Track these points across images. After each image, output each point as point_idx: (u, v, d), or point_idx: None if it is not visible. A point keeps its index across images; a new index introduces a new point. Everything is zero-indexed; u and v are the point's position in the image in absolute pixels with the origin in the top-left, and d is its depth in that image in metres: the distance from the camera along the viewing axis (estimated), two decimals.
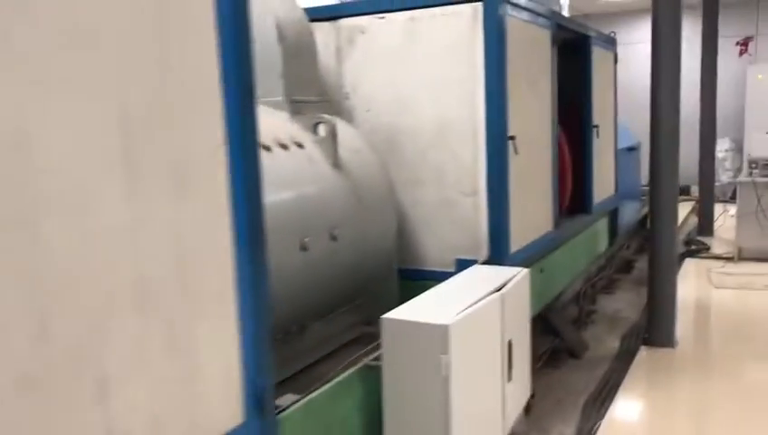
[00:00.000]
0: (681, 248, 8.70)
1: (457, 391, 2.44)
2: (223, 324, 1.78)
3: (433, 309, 2.57)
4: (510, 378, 2.88)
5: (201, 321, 1.69)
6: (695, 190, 10.94)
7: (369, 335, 3.21)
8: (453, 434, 2.40)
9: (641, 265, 7.34)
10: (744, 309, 6.42)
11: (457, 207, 3.81)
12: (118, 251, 1.46)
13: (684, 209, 11.44)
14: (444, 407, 2.39)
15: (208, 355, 1.72)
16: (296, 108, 3.37)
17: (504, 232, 3.81)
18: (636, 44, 12.32)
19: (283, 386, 2.92)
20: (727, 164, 12.81)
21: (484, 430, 2.80)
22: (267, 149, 2.94)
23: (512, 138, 3.79)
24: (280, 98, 3.35)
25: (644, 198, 7.15)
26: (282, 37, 3.36)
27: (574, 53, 5.48)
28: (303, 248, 2.91)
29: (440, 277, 3.32)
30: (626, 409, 4.46)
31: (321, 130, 3.27)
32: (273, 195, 2.83)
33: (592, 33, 5.55)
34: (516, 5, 3.87)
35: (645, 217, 6.99)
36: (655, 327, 5.28)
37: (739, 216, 7.92)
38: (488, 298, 2.71)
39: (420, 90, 3.79)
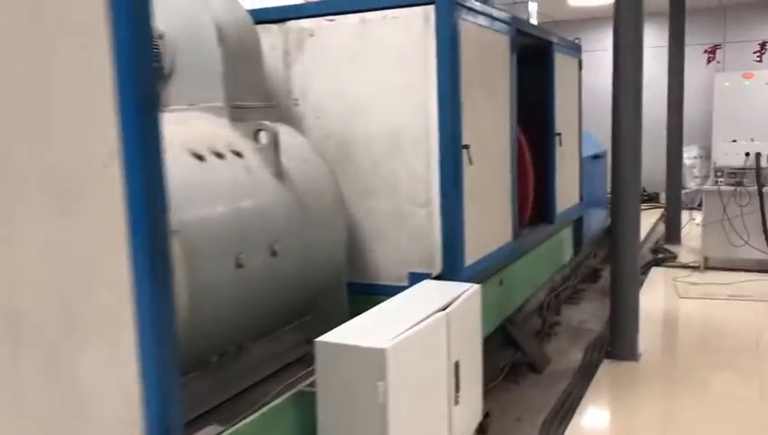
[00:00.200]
0: (648, 257, 8.66)
1: (396, 418, 2.28)
2: (117, 353, 1.59)
3: (371, 331, 2.41)
4: (457, 401, 2.73)
5: (89, 350, 1.51)
6: (663, 198, 10.92)
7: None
8: None
9: (608, 274, 7.24)
10: (709, 320, 6.35)
11: (411, 218, 3.66)
12: None
13: (652, 217, 11.45)
14: None
15: (98, 388, 1.54)
16: (238, 114, 3.19)
17: (458, 244, 3.67)
18: (605, 51, 12.27)
19: (216, 413, 2.75)
20: (696, 171, 12.84)
21: None
22: (200, 158, 2.76)
23: (466, 146, 3.65)
24: (220, 103, 3.18)
25: (610, 206, 7.05)
26: (222, 39, 3.18)
27: (537, 60, 5.37)
28: (238, 265, 2.73)
29: (393, 291, 3.16)
30: (586, 426, 4.33)
31: (263, 137, 3.09)
32: (204, 208, 2.66)
33: (555, 39, 5.45)
34: (471, 9, 3.73)
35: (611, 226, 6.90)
36: (618, 340, 5.16)
37: (705, 225, 7.87)
38: (432, 318, 2.55)
39: (372, 96, 3.63)
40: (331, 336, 2.35)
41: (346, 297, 3.60)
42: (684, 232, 9.66)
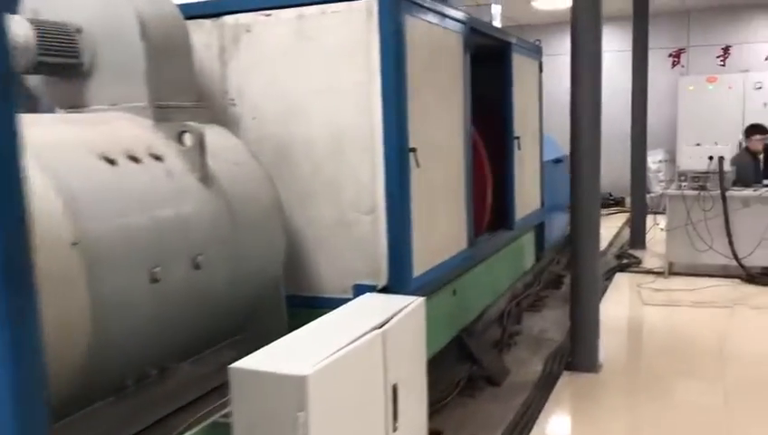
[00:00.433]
0: (613, 262, 8.54)
1: None
2: None
3: (293, 355, 2.17)
4: (395, 428, 2.50)
5: None
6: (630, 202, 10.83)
7: None
8: None
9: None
10: (673, 327, 6.22)
11: (355, 226, 3.42)
12: None
13: (618, 221, 11.37)
14: None
15: None
16: (163, 114, 2.94)
17: (405, 253, 3.44)
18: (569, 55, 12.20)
19: None
20: (661, 175, 12.80)
21: None
22: (111, 162, 2.51)
23: (413, 150, 3.43)
24: (143, 103, 2.92)
25: (570, 213, 6.89)
26: (145, 33, 2.93)
27: (495, 61, 5.18)
28: (153, 280, 2.48)
29: (337, 305, 2.93)
30: None
31: (188, 139, 2.84)
32: (112, 217, 2.39)
33: (513, 40, 5.27)
34: (418, 5, 3.52)
35: None
36: (578, 351, 4.99)
37: (669, 230, 7.75)
38: (365, 338, 2.32)
39: (312, 95, 3.40)
40: (248, 362, 2.11)
41: (285, 312, 3.36)
42: (649, 236, 9.56)
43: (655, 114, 11.16)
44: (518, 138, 5.31)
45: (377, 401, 2.40)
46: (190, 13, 3.42)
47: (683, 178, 7.76)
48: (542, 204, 6.26)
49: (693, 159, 7.86)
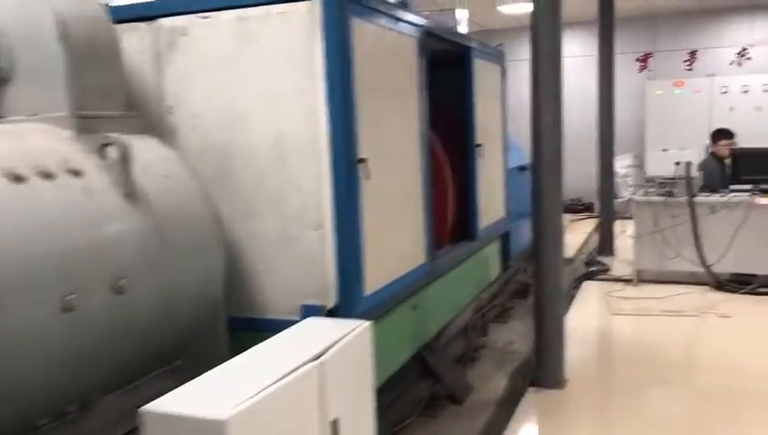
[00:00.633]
0: (581, 270, 8.41)
1: None
2: None
3: (214, 395, 1.95)
4: None
5: None
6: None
7: None
8: None
9: None
10: (641, 338, 6.08)
11: (300, 242, 3.20)
12: None
13: (588, 227, 11.26)
14: None
15: None
16: (85, 125, 2.70)
17: (355, 271, 3.24)
18: None
19: None
20: (630, 180, 12.74)
21: None
22: (18, 179, 2.26)
23: (362, 160, 3.23)
24: (63, 113, 2.68)
25: (531, 221, 6.74)
26: (65, 36, 2.69)
27: (455, 66, 5.01)
28: (66, 308, 2.24)
29: (284, 327, 2.71)
30: None
31: (111, 152, 2.60)
32: (15, 241, 2.14)
33: (473, 44, 5.10)
34: (367, 8, 3.31)
35: None
36: (542, 366, 4.81)
37: (637, 237, 7.63)
38: (298, 372, 2.10)
39: (254, 103, 3.18)
40: (161, 403, 1.89)
41: (226, 336, 3.13)
42: (618, 242, 9.46)
43: (623, 119, 11.09)
44: (480, 145, 5.13)
45: None
46: (122, 15, 3.21)
47: (650, 183, 7.65)
48: (508, 213, 6.09)
49: (660, 164, 7.76)
